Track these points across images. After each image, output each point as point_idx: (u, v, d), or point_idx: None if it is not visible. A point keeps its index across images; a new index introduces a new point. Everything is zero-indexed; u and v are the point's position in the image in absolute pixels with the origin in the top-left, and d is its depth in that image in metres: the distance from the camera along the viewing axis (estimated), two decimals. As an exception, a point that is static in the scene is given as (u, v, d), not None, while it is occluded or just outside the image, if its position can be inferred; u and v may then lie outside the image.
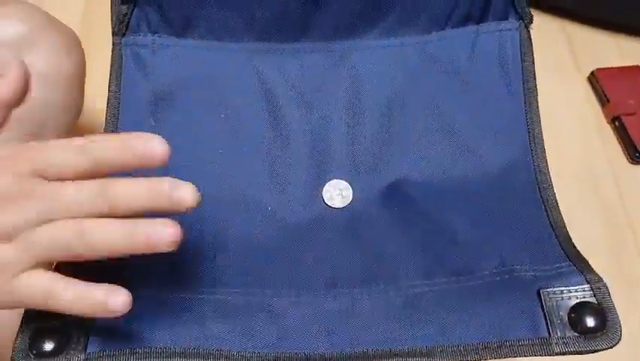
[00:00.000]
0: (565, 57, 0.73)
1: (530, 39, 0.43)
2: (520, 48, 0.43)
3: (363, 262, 0.37)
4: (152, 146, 0.28)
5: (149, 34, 0.43)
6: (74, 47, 0.42)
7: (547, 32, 0.66)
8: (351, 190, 0.41)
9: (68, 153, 0.28)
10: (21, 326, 0.32)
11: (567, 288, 0.33)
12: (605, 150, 0.62)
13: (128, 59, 0.43)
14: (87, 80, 0.44)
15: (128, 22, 0.43)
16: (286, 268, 0.37)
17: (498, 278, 0.35)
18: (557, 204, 0.38)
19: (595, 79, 0.71)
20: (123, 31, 0.43)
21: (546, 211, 0.37)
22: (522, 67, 0.42)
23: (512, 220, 0.37)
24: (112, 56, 0.43)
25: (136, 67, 0.43)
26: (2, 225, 0.27)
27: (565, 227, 0.37)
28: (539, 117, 0.41)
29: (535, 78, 0.42)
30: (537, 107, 0.41)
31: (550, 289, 0.33)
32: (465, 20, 0.43)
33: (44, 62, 0.40)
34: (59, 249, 0.28)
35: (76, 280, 0.28)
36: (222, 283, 0.36)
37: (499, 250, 0.36)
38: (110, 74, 0.43)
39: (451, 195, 0.39)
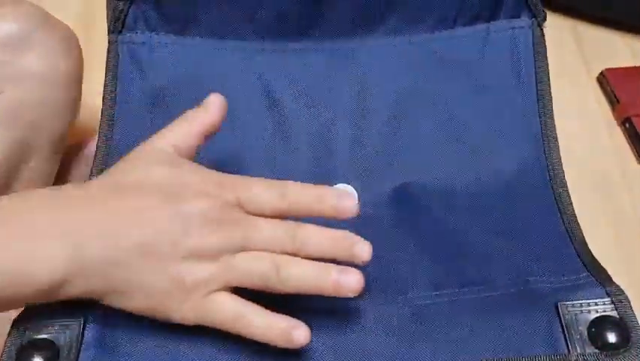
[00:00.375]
0: (574, 57, 0.70)
1: (544, 38, 0.41)
2: (533, 47, 0.41)
3: (368, 271, 0.35)
4: (345, 203, 0.31)
5: (147, 32, 0.42)
6: (72, 46, 0.41)
7: (556, 32, 0.64)
8: (356, 195, 0.39)
9: (271, 193, 0.31)
10: (8, 338, 0.30)
11: (586, 301, 0.31)
12: (615, 152, 0.60)
13: (124, 58, 0.41)
14: (87, 77, 0.43)
15: (125, 19, 0.41)
16: None
17: (512, 290, 0.33)
18: (574, 210, 0.36)
19: (604, 79, 0.69)
20: (119, 29, 0.41)
21: (562, 218, 0.36)
22: (535, 67, 0.40)
23: (526, 228, 0.36)
24: (107, 54, 0.42)
25: (132, 66, 0.41)
26: (210, 245, 0.29)
27: (582, 235, 0.35)
28: (553, 120, 0.39)
29: (549, 79, 0.40)
30: (551, 109, 0.40)
31: (569, 302, 0.31)
32: (475, 18, 0.42)
33: (40, 62, 0.39)
34: (254, 277, 0.30)
35: (260, 307, 0.30)
36: None
37: (513, 260, 0.34)
38: (106, 73, 0.41)
39: (461, 201, 0.38)
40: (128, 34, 0.41)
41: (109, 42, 0.42)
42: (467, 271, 0.34)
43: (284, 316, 0.30)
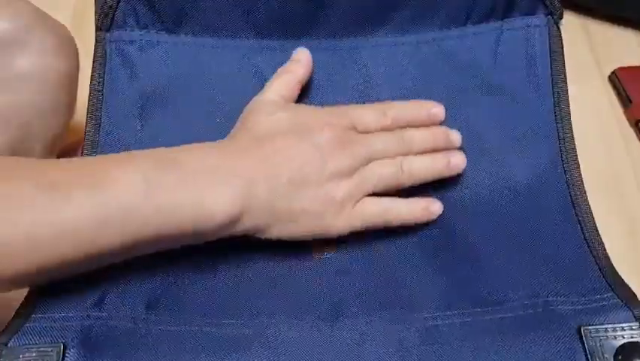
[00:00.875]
0: (585, 56, 0.68)
1: (560, 36, 0.39)
2: (549, 46, 0.38)
3: (374, 288, 0.33)
4: (437, 112, 0.37)
5: (137, 30, 0.39)
6: (66, 46, 0.39)
7: (567, 30, 0.61)
8: None
9: (375, 113, 0.36)
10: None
11: (612, 325, 0.29)
12: (628, 154, 0.58)
13: (112, 57, 0.39)
14: (82, 77, 0.41)
15: (114, 16, 0.39)
16: (286, 293, 0.33)
17: (530, 311, 0.31)
18: (594, 222, 0.34)
19: (617, 79, 0.67)
20: (108, 26, 0.39)
21: (582, 231, 0.33)
22: (551, 67, 0.38)
23: (544, 242, 0.33)
24: (95, 52, 0.39)
25: (122, 65, 0.39)
26: (345, 164, 0.34)
27: (604, 249, 0.33)
28: (571, 124, 0.37)
29: (566, 80, 0.38)
30: (568, 113, 0.37)
31: (593, 327, 0.29)
32: (488, 16, 0.39)
33: (33, 62, 0.38)
34: (386, 179, 0.35)
35: (396, 198, 0.35)
36: (212, 312, 0.32)
37: (531, 278, 0.32)
38: (92, 73, 0.39)
39: (473, 212, 0.35)
40: (117, 32, 0.39)
41: (96, 40, 0.39)
42: (481, 289, 0.32)
43: (417, 198, 0.36)
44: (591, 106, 0.62)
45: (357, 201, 0.34)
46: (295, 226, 0.33)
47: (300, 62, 0.39)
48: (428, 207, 0.35)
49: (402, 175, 0.35)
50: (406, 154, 0.36)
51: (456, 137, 0.37)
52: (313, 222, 0.33)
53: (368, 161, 0.35)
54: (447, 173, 0.36)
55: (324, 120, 0.35)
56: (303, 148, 0.34)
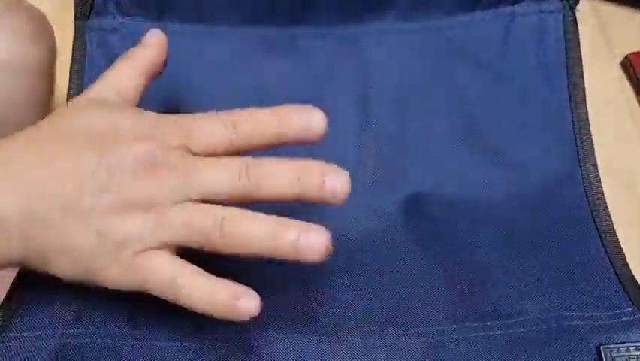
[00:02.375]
0: (596, 40, 0.65)
1: (576, 23, 0.36)
2: (564, 34, 0.35)
3: (375, 303, 0.30)
4: (314, 118, 0.27)
5: (119, 17, 0.36)
6: (43, 32, 0.37)
7: (578, 13, 0.58)
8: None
9: (223, 126, 0.27)
10: None
11: (635, 345, 0.26)
12: (640, 143, 0.54)
13: (92, 47, 0.36)
14: (63, 68, 0.38)
15: (93, 3, 0.36)
16: (277, 304, 0.30)
17: (544, 327, 0.28)
18: (614, 228, 0.31)
19: (630, 64, 0.64)
20: (87, 13, 0.36)
21: (601, 239, 0.31)
22: (566, 57, 0.35)
23: (559, 251, 0.31)
24: (74, 42, 0.37)
25: (102, 56, 0.36)
26: (138, 196, 0.25)
27: (624, 258, 0.30)
28: (588, 119, 0.34)
29: (581, 71, 0.35)
30: (585, 106, 0.34)
31: (614, 346, 0.26)
32: (498, 0, 0.36)
33: (7, 50, 0.35)
34: (193, 234, 0.25)
35: (202, 270, 0.26)
36: (200, 325, 0.29)
37: (544, 290, 0.30)
38: (72, 65, 0.36)
39: (482, 216, 0.33)
40: (97, 20, 0.36)
41: (75, 29, 0.36)
42: (489, 301, 0.30)
43: (229, 281, 0.26)
44: (602, 93, 0.59)
45: (146, 250, 0.26)
46: (55, 266, 0.26)
47: (146, 44, 0.31)
48: (236, 303, 0.25)
49: (216, 235, 0.25)
50: (248, 199, 0.26)
51: (338, 183, 0.26)
52: (80, 265, 0.26)
53: (184, 197, 0.26)
54: (288, 255, 0.25)
55: (140, 132, 0.26)
56: (88, 162, 0.25)
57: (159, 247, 0.26)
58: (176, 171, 0.26)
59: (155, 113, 0.28)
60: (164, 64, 0.31)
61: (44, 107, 0.39)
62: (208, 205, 0.26)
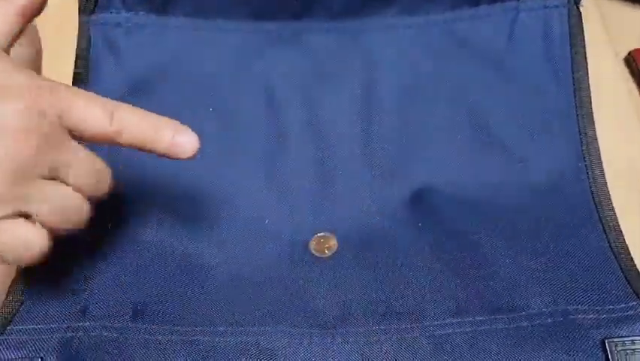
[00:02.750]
0: (598, 36, 0.64)
1: (581, 18, 0.36)
2: (569, 29, 0.35)
3: (379, 294, 0.30)
4: (186, 141, 0.28)
5: (123, 12, 0.36)
6: (28, 34, 0.35)
7: (582, 10, 0.58)
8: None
9: (98, 108, 0.26)
10: None
11: (639, 337, 0.26)
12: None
13: (97, 42, 0.36)
14: (64, 64, 0.37)
15: None
16: (284, 299, 0.30)
17: (549, 320, 0.28)
18: (618, 224, 0.31)
19: (633, 61, 0.63)
20: (91, 8, 0.36)
21: (605, 234, 0.31)
22: (571, 53, 0.35)
23: (564, 246, 0.31)
24: (78, 38, 0.36)
25: (106, 51, 0.36)
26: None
27: (629, 254, 0.30)
28: (592, 114, 0.34)
29: (587, 67, 0.35)
30: (589, 102, 0.34)
31: (619, 339, 0.26)
32: None
33: None
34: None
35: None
36: (206, 319, 0.29)
37: (549, 284, 0.29)
38: (76, 60, 0.36)
39: (486, 211, 0.33)
40: (102, 15, 0.36)
41: (79, 24, 0.36)
42: (494, 295, 0.29)
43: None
44: (605, 90, 0.59)
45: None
46: None
47: None
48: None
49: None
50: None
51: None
52: None
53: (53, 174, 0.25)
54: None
55: (16, 88, 0.25)
56: None
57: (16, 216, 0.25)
58: (48, 146, 0.25)
59: (33, 73, 0.27)
60: (45, 3, 0.29)
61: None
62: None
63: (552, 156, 0.34)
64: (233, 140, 0.35)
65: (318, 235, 0.33)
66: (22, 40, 0.33)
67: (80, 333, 0.28)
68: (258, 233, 0.33)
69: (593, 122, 0.34)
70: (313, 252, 0.33)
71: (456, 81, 0.36)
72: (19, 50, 0.34)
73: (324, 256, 0.33)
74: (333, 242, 0.33)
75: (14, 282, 0.29)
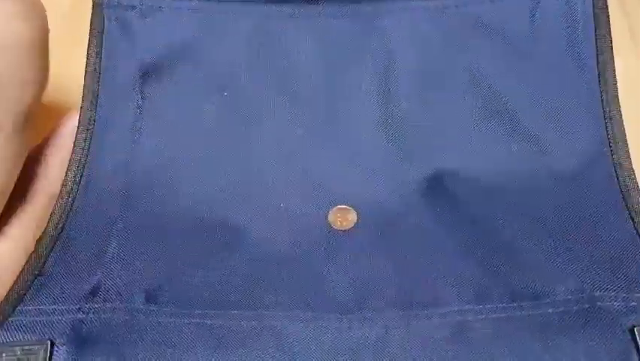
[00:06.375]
0: (617, 22, 0.63)
1: (605, 1, 0.35)
2: (593, 10, 0.34)
3: (397, 280, 0.30)
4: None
5: None
6: (31, 10, 0.35)
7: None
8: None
9: None
10: None
11: None
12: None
13: (111, 25, 0.35)
14: (80, 43, 0.37)
15: None
16: (300, 284, 0.30)
17: (575, 307, 0.27)
18: None
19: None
20: None
21: (632, 220, 0.30)
22: (595, 35, 0.34)
23: (589, 231, 0.30)
24: (91, 20, 0.36)
25: (121, 34, 0.35)
26: None
27: None
28: (618, 99, 0.33)
29: (611, 49, 0.34)
30: (615, 87, 0.33)
31: None
32: None
33: None
34: None
35: None
36: (220, 303, 0.29)
37: (574, 270, 0.28)
38: (89, 43, 0.35)
39: (507, 196, 0.32)
40: None
41: (93, 5, 0.36)
42: (517, 281, 0.29)
43: None
44: (624, 77, 0.57)
45: None
46: None
47: None
48: None
49: None
50: None
51: None
52: None
53: None
54: None
55: None
56: None
57: None
58: None
59: None
60: None
61: (39, 86, 0.38)
62: None
63: (575, 141, 0.33)
64: (247, 125, 0.35)
65: (338, 206, 0.32)
66: (28, 17, 0.32)
67: (91, 315, 0.27)
68: (271, 217, 0.32)
69: (618, 106, 0.33)
70: (331, 225, 0.32)
71: (474, 65, 0.35)
72: (24, 25, 0.33)
73: (342, 228, 0.32)
74: (353, 216, 0.32)
75: (27, 261, 0.29)
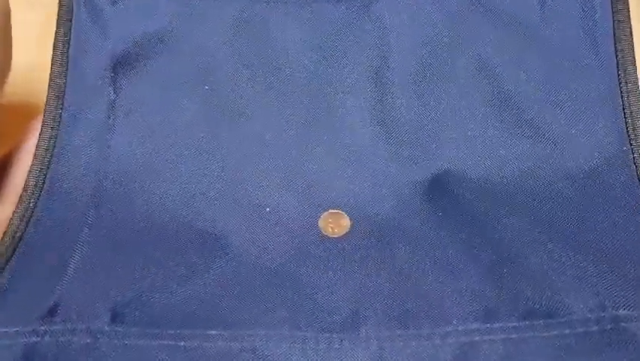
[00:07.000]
0: (632, 9, 0.59)
1: (624, -18, 0.31)
2: None
3: (394, 294, 0.27)
4: None
5: None
6: None
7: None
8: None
9: None
10: None
11: None
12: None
13: (80, 11, 0.32)
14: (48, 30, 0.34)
15: None
16: (286, 299, 0.27)
17: (595, 328, 0.24)
18: None
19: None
20: None
21: None
22: (613, 19, 0.31)
23: (609, 240, 0.27)
24: (59, 6, 0.33)
25: (90, 21, 0.32)
26: None
27: None
28: (638, 90, 0.30)
29: (631, 37, 0.31)
30: (635, 76, 0.30)
31: None
32: None
33: None
34: None
35: None
36: (196, 321, 0.26)
37: (594, 285, 0.25)
38: (56, 32, 0.32)
39: (516, 200, 0.29)
40: None
41: (61, -9, 0.33)
42: (530, 297, 0.25)
43: None
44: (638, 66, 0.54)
45: None
46: None
47: None
48: None
49: None
50: None
51: None
52: None
53: None
54: None
55: None
56: None
57: None
58: None
59: None
60: None
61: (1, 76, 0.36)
62: None
63: (591, 138, 0.30)
64: (229, 122, 0.32)
65: (330, 211, 0.30)
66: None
67: (47, 338, 0.24)
68: (254, 222, 0.29)
69: (639, 98, 0.30)
70: (322, 231, 0.29)
71: (478, 53, 0.31)
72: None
73: (334, 236, 0.29)
74: (346, 221, 0.29)
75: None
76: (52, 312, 0.25)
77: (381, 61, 0.32)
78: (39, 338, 0.24)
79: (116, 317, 0.25)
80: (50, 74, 0.31)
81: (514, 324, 0.25)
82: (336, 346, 0.25)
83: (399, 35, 0.32)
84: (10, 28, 0.32)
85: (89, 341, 0.24)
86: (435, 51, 0.32)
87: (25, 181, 0.29)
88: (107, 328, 0.25)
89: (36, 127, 0.33)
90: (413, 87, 0.32)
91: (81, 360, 0.24)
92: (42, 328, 0.24)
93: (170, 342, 0.25)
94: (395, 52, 0.32)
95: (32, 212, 0.28)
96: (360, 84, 0.32)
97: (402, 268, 0.27)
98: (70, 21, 0.32)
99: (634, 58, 0.31)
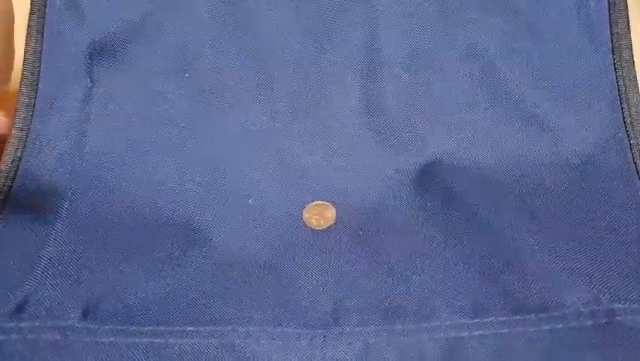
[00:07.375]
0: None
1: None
2: None
3: (380, 288, 0.25)
4: None
5: None
6: None
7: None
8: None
9: None
10: None
11: None
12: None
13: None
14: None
15: None
16: (267, 294, 0.26)
17: (589, 322, 0.23)
18: None
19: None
20: None
21: None
22: (609, 4, 0.30)
23: (604, 231, 0.26)
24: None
25: (66, 7, 0.31)
26: None
27: None
28: (635, 76, 0.29)
29: (628, 23, 0.30)
30: (631, 60, 0.29)
31: None
32: None
33: None
34: None
35: None
36: (173, 317, 0.25)
37: (588, 278, 0.24)
38: (29, 19, 0.31)
39: (508, 189, 0.28)
40: None
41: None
42: (520, 290, 0.24)
43: None
44: (636, 55, 0.52)
45: None
46: None
47: None
48: None
49: None
50: None
51: None
52: None
53: None
54: None
55: None
56: None
57: None
58: None
59: None
60: None
61: (5, 74, 0.35)
62: None
63: (586, 125, 0.29)
64: (211, 111, 0.30)
65: (315, 202, 0.28)
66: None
67: (14, 335, 0.23)
68: (238, 215, 0.28)
69: (636, 86, 0.29)
70: (306, 223, 0.28)
71: (471, 37, 0.30)
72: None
73: (318, 228, 0.28)
74: (331, 213, 0.28)
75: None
76: (20, 309, 0.24)
77: (370, 46, 0.31)
78: (5, 336, 0.23)
79: (87, 313, 0.24)
80: (24, 62, 0.30)
81: (505, 318, 0.24)
82: (319, 342, 0.24)
83: (389, 19, 0.31)
84: (13, 25, 0.31)
85: (58, 338, 0.23)
86: (427, 38, 0.31)
87: None
88: (77, 325, 0.24)
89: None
90: (402, 74, 0.31)
91: (50, 358, 0.23)
92: (9, 325, 0.23)
93: (145, 339, 0.24)
94: (386, 35, 0.31)
95: (3, 205, 0.27)
96: (349, 72, 0.31)
97: (387, 262, 0.26)
98: (45, 8, 0.31)
99: (630, 42, 0.30)
